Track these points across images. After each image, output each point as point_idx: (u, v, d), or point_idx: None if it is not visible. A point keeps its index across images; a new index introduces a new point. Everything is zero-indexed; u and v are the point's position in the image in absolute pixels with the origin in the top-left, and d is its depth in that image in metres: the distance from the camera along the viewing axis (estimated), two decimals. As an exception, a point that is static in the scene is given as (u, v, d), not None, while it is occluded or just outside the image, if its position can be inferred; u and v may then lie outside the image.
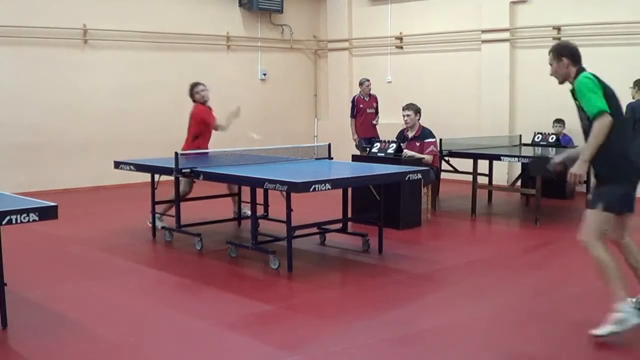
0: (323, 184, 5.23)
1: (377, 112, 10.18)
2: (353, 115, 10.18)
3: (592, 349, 3.94)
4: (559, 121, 9.61)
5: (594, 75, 4.14)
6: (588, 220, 4.17)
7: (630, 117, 7.01)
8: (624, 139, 4.15)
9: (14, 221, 3.81)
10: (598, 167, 4.21)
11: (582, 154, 4.14)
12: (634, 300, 4.14)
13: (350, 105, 10.31)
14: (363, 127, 10.09)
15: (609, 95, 4.08)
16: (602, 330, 4.03)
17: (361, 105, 10.11)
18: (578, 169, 4.12)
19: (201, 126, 7.46)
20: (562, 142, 9.35)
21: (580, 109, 4.15)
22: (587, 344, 4.02)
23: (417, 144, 7.79)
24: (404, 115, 7.91)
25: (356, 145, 10.01)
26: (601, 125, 3.97)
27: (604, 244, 4.11)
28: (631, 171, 4.16)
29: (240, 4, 11.94)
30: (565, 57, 4.24)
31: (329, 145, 7.13)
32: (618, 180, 4.13)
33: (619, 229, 4.27)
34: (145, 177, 7.13)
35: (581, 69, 4.23)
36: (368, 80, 10.23)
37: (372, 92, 10.23)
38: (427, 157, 7.59)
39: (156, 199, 6.94)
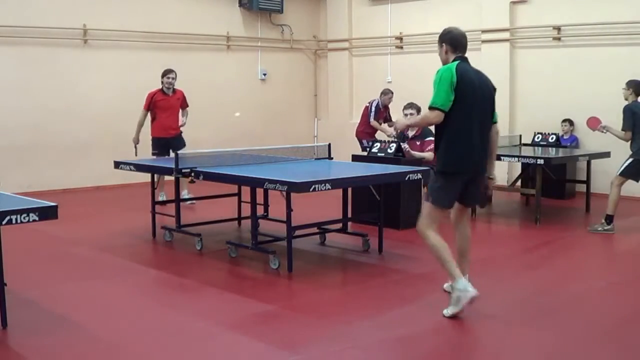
0: (323, 184, 5.23)
1: (386, 121, 10.04)
2: (375, 118, 9.85)
3: (593, 348, 3.95)
4: (568, 121, 9.61)
5: (458, 69, 4.28)
6: (423, 211, 4.53)
7: (630, 120, 6.93)
8: (462, 136, 4.32)
9: (14, 221, 3.81)
10: (437, 162, 4.50)
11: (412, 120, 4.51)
12: (446, 285, 4.69)
13: (373, 109, 9.88)
14: (368, 131, 10.02)
15: (464, 89, 4.27)
16: (448, 311, 4.37)
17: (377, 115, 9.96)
18: (398, 123, 4.84)
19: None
20: (562, 142, 9.35)
21: None
22: (588, 343, 4.02)
23: (417, 143, 7.79)
24: (405, 115, 7.91)
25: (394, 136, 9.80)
26: (427, 116, 4.36)
27: (435, 230, 4.44)
28: (460, 167, 4.36)
29: (240, 4, 11.94)
30: (445, 43, 4.45)
31: (329, 145, 7.13)
32: (447, 173, 4.38)
33: (456, 217, 4.68)
34: (145, 177, 7.13)
35: (458, 59, 4.39)
36: (392, 93, 9.98)
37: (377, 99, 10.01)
38: (427, 155, 7.59)
39: (156, 199, 6.94)
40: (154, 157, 8.41)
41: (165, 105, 8.57)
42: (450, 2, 11.10)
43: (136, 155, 8.37)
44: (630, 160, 6.98)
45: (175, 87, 8.72)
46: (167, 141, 8.53)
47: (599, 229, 7.07)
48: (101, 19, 10.24)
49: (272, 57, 12.56)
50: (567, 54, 9.82)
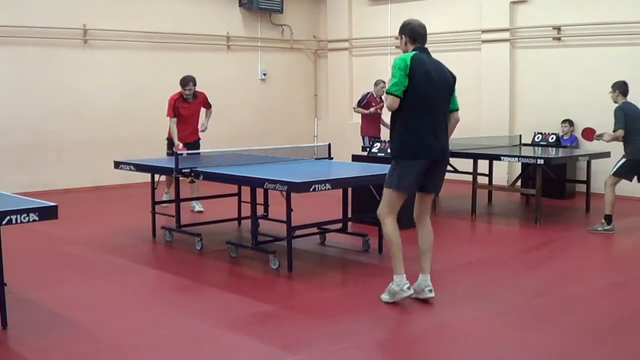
0: (323, 184, 5.23)
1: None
2: (359, 105, 9.99)
3: (593, 349, 3.95)
4: (568, 122, 9.61)
5: (413, 59, 4.47)
6: (383, 197, 4.66)
7: (622, 118, 6.93)
8: (415, 122, 4.47)
9: (14, 221, 3.81)
10: (392, 148, 4.64)
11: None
12: (411, 286, 4.65)
13: (359, 97, 10.10)
14: (371, 126, 9.99)
15: (418, 78, 4.43)
16: (382, 297, 4.67)
17: (373, 104, 9.88)
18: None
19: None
20: (562, 142, 9.35)
21: None
22: (588, 344, 4.02)
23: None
24: None
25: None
26: (387, 103, 4.52)
27: (393, 219, 4.63)
28: (415, 153, 4.48)
29: (240, 4, 11.94)
30: (405, 35, 4.68)
31: (329, 145, 7.13)
32: (402, 158, 4.52)
33: (419, 209, 4.78)
34: (145, 177, 7.13)
35: (417, 49, 4.59)
36: (384, 82, 9.78)
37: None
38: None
39: (156, 199, 6.94)
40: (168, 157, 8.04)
41: (186, 113, 8.17)
42: (450, 2, 11.10)
43: (180, 149, 7.77)
44: (624, 160, 7.02)
45: (196, 90, 8.29)
46: (185, 145, 8.04)
47: (599, 229, 7.07)
48: (101, 19, 10.24)
49: (272, 57, 12.56)
50: (567, 54, 9.82)
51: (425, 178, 4.62)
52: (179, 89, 8.41)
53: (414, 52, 4.56)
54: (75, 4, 10.04)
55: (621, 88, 7.05)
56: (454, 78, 4.76)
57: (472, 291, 5.10)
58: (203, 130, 8.33)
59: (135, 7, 10.66)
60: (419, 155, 4.51)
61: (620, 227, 7.22)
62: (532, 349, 3.91)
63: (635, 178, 7.15)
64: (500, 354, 3.90)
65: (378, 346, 4.01)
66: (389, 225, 4.61)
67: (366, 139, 9.89)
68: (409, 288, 4.61)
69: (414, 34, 4.64)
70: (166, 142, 8.39)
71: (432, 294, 4.68)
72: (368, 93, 10.06)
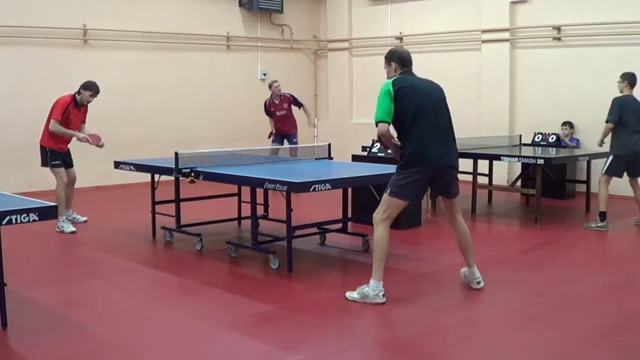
0: (323, 184, 5.23)
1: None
2: (267, 114, 10.11)
3: (591, 349, 3.95)
4: (568, 124, 9.60)
5: (396, 79, 4.65)
6: (381, 202, 4.79)
7: (616, 111, 7.00)
8: (412, 134, 4.60)
9: (14, 221, 3.81)
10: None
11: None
12: (463, 269, 5.01)
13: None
14: (284, 127, 10.07)
15: (405, 93, 4.56)
16: (350, 294, 4.74)
17: (272, 109, 10.04)
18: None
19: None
20: (563, 144, 9.35)
21: None
22: (587, 344, 4.02)
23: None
24: None
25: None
26: (379, 132, 4.63)
27: (387, 225, 4.73)
28: (415, 161, 4.60)
29: (240, 4, 11.94)
30: (394, 61, 4.80)
31: (329, 145, 7.13)
32: (403, 168, 4.65)
33: (448, 212, 4.99)
34: (145, 177, 7.13)
35: (403, 72, 4.74)
36: (276, 81, 10.04)
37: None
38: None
39: (156, 199, 6.93)
40: (56, 168, 7.59)
41: (74, 119, 7.56)
42: (450, 2, 11.10)
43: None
44: (612, 157, 7.19)
45: None
46: (63, 155, 7.73)
47: (593, 225, 7.14)
48: (101, 19, 10.24)
49: (272, 57, 12.56)
50: (567, 54, 9.82)
51: (437, 186, 4.83)
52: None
53: (394, 77, 4.72)
54: (75, 4, 10.04)
55: (630, 79, 7.13)
56: (441, 89, 4.89)
57: (472, 291, 5.10)
58: (101, 146, 7.74)
59: (135, 7, 10.66)
60: (415, 164, 4.62)
61: (620, 227, 7.22)
62: (531, 349, 3.91)
63: (625, 173, 7.24)
64: (500, 354, 3.90)
65: (378, 346, 4.01)
66: (381, 230, 4.71)
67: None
68: (384, 295, 4.68)
69: (402, 59, 4.80)
70: (48, 152, 7.56)
71: (481, 285, 4.93)
72: (266, 101, 10.10)
